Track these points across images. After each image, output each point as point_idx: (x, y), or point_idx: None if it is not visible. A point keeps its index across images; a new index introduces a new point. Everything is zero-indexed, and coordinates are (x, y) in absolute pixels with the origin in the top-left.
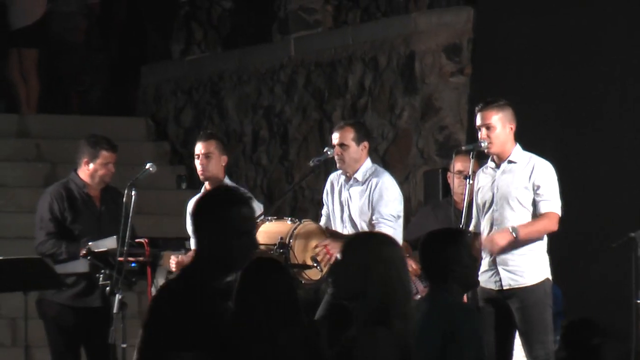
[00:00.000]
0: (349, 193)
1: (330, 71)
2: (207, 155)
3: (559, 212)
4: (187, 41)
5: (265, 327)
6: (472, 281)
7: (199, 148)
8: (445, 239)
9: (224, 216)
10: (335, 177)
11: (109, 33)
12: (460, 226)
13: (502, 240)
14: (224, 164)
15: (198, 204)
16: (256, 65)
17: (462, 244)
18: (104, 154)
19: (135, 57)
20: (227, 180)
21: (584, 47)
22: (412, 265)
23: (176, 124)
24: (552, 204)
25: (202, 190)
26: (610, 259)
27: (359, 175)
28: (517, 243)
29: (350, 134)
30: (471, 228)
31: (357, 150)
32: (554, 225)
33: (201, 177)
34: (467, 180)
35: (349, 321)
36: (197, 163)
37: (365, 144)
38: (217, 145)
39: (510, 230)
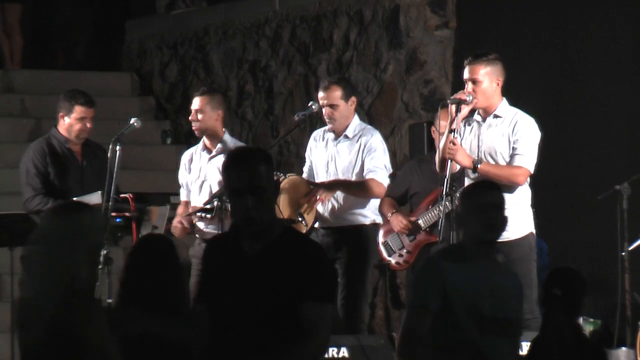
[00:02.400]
0: (337, 149)
1: (315, 25)
2: (198, 111)
3: (529, 168)
4: None
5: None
6: None
7: (193, 104)
8: None
9: None
10: (320, 134)
11: None
12: (445, 181)
13: (464, 158)
14: (219, 119)
15: None
16: (241, 20)
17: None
18: (79, 108)
19: (120, 11)
20: (226, 136)
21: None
22: (401, 220)
23: (161, 78)
24: (525, 158)
25: (200, 144)
26: (596, 211)
27: (349, 132)
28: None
29: (337, 93)
30: None
31: (346, 107)
32: (518, 178)
33: (196, 133)
34: (452, 134)
35: None
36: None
37: (353, 99)
38: (209, 99)
39: (474, 160)
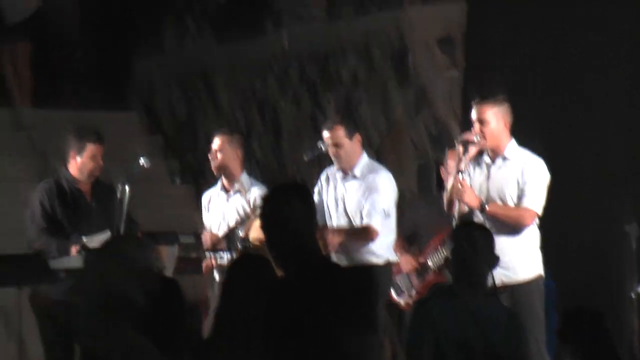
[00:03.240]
0: (345, 188)
1: (323, 64)
2: (218, 150)
3: (537, 210)
4: (181, 34)
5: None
6: None
7: (213, 143)
8: None
9: None
10: (331, 172)
11: (103, 26)
12: (454, 220)
13: (471, 199)
14: (237, 158)
15: None
16: (250, 58)
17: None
18: (90, 147)
19: (129, 50)
20: (243, 176)
21: (578, 38)
22: (411, 260)
23: (170, 117)
24: (533, 200)
25: (219, 184)
26: (605, 252)
27: (356, 171)
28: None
29: (340, 132)
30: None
31: (351, 146)
32: (526, 220)
33: (214, 171)
34: (460, 174)
35: None
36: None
37: (358, 136)
38: (229, 139)
39: (482, 200)
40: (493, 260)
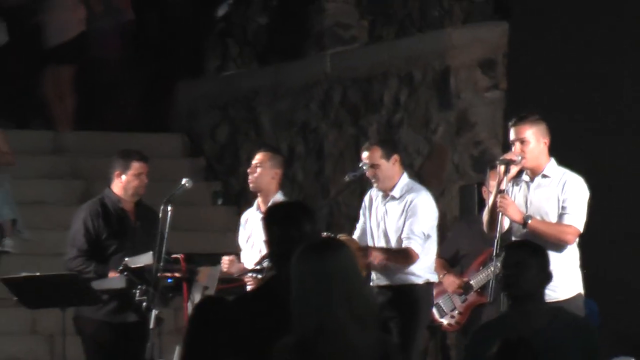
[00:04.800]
0: (386, 209)
1: (365, 87)
2: (258, 165)
3: (579, 227)
4: (222, 57)
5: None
6: None
7: (255, 158)
8: None
9: None
10: (375, 192)
11: (144, 49)
12: (496, 242)
13: (515, 213)
14: (276, 178)
15: None
16: (292, 81)
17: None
18: (135, 164)
19: (170, 72)
20: (278, 195)
21: (619, 59)
22: (454, 280)
23: (212, 139)
24: (574, 217)
25: (255, 204)
26: None
27: (395, 192)
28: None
29: (377, 153)
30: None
31: (388, 167)
32: (567, 236)
33: (250, 187)
34: (502, 193)
35: None
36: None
37: (395, 157)
38: (270, 157)
39: (525, 215)
40: (547, 277)
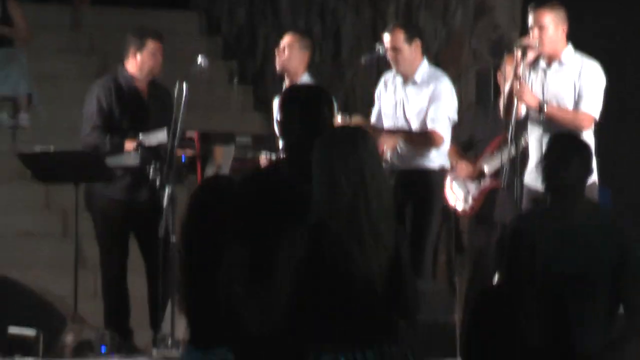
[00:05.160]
0: (405, 93)
1: None
2: (287, 47)
3: (595, 114)
4: None
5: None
6: None
7: (284, 40)
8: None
9: None
10: (390, 77)
11: None
12: (511, 127)
13: (531, 98)
14: (304, 60)
15: None
16: None
17: None
18: (150, 43)
19: None
20: (305, 77)
21: None
22: (467, 167)
23: (230, 19)
24: (589, 104)
25: (284, 86)
26: None
27: (417, 77)
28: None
29: (400, 36)
30: None
31: (410, 51)
32: (583, 122)
33: (277, 69)
34: (519, 79)
35: None
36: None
37: (418, 42)
38: (298, 39)
39: (541, 101)
40: (586, 171)
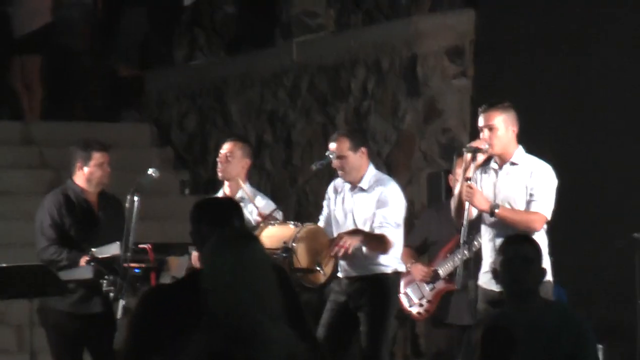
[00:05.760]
0: (354, 200)
1: (333, 75)
2: (227, 155)
3: (546, 214)
4: (190, 46)
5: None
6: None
7: (224, 148)
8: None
9: None
10: (340, 183)
11: (111, 39)
12: (463, 229)
13: (481, 202)
14: (245, 167)
15: None
16: (260, 70)
17: None
18: (96, 155)
19: (139, 62)
20: (246, 185)
21: (586, 47)
22: (422, 269)
23: (180, 129)
24: (541, 204)
25: (221, 192)
26: (614, 259)
27: (363, 184)
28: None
29: (345, 144)
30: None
31: (355, 159)
32: (535, 224)
33: (219, 176)
34: (468, 182)
35: None
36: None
37: (363, 149)
38: (240, 147)
39: (492, 204)
40: (542, 273)
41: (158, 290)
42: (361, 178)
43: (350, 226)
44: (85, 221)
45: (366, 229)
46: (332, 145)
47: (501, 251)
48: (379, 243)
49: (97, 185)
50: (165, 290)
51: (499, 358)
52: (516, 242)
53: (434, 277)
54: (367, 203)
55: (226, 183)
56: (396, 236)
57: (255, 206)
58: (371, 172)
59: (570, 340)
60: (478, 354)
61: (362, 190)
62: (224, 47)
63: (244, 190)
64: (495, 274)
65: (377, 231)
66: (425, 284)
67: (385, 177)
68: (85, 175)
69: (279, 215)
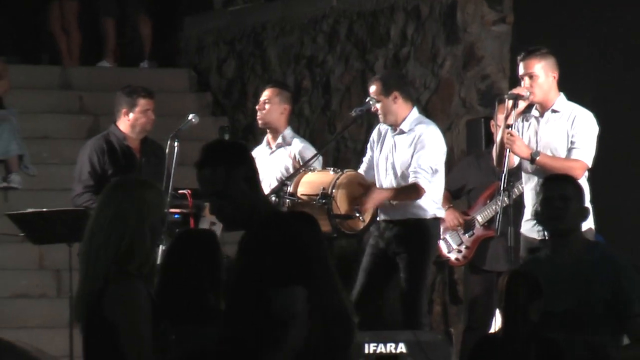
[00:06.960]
0: (394, 141)
1: (372, 21)
2: (266, 102)
3: (587, 162)
4: None
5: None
6: None
7: (263, 95)
8: None
9: None
10: (384, 127)
11: None
12: (503, 176)
13: (522, 149)
14: (284, 113)
15: None
16: (299, 16)
17: None
18: (142, 101)
19: (178, 7)
20: (287, 131)
21: None
22: (456, 216)
23: (218, 75)
24: (583, 152)
25: (264, 140)
26: None
27: (404, 126)
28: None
29: (378, 88)
30: None
31: (388, 102)
32: (576, 171)
33: (259, 123)
34: (510, 129)
35: None
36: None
37: (395, 93)
38: (278, 93)
39: (533, 151)
40: (582, 212)
41: None
42: (402, 120)
43: (389, 169)
44: (127, 167)
45: (403, 170)
46: (370, 89)
47: (541, 190)
48: (408, 193)
49: (140, 131)
50: None
51: (522, 303)
52: (555, 180)
53: (468, 226)
54: (405, 144)
55: (268, 130)
56: (433, 182)
57: (290, 155)
58: (413, 115)
59: (610, 279)
60: (501, 299)
61: (402, 132)
62: None
63: (283, 137)
64: (536, 214)
65: (410, 177)
66: (462, 231)
67: (427, 120)
68: (129, 122)
69: (319, 161)
